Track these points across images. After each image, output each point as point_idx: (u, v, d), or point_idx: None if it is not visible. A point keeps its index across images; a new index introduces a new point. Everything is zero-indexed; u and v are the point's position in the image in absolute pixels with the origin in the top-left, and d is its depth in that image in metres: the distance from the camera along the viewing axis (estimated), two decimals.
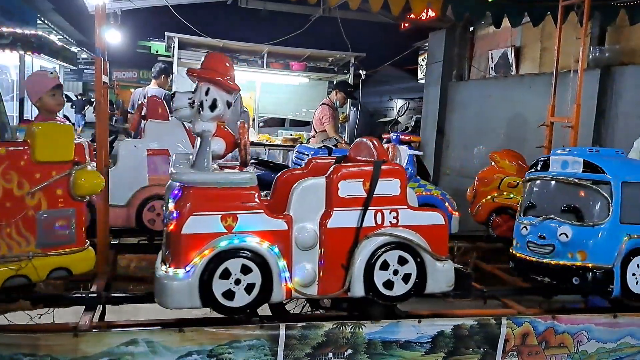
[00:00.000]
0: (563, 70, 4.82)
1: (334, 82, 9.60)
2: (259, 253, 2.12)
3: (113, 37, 8.78)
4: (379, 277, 2.26)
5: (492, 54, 7.83)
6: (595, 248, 2.54)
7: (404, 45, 10.98)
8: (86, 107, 26.81)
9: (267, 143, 8.48)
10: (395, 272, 2.27)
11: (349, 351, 2.28)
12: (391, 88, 21.05)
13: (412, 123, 8.70)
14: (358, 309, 2.42)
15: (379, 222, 2.27)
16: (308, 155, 4.14)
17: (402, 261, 2.27)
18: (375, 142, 2.49)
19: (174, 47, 8.84)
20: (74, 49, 25.80)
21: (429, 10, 6.61)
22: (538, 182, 2.85)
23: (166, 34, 8.85)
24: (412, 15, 7.29)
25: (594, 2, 4.53)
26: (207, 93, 2.18)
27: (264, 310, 2.34)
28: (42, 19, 21.98)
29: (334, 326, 2.28)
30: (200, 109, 2.16)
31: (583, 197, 2.62)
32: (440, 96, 8.32)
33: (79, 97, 25.76)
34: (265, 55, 9.21)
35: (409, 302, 2.38)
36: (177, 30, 8.73)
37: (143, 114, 3.77)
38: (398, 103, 22.87)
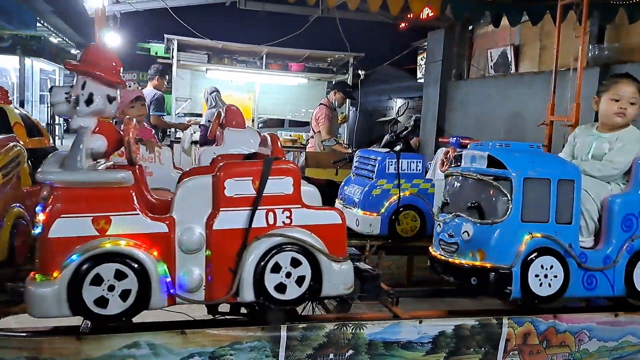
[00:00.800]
0: (562, 68, 4.83)
1: (333, 82, 9.62)
2: (135, 257, 1.95)
3: (113, 39, 8.80)
4: (270, 281, 2.09)
5: (491, 52, 7.84)
6: (493, 247, 2.38)
7: (403, 45, 11.01)
8: None
9: None
10: (288, 275, 2.11)
11: (350, 352, 2.28)
12: (390, 87, 21.05)
13: (412, 122, 8.70)
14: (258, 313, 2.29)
15: (271, 222, 2.11)
16: (376, 160, 3.72)
17: (295, 263, 2.12)
18: (272, 138, 2.38)
19: (173, 49, 8.85)
20: (73, 51, 25.89)
21: (428, 9, 6.62)
22: (451, 177, 2.72)
23: (165, 36, 8.87)
24: (411, 15, 7.31)
25: (593, 1, 4.55)
26: (83, 87, 2.01)
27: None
28: (42, 21, 22.01)
29: (335, 327, 2.28)
30: (76, 104, 2.01)
31: (485, 193, 2.48)
32: (440, 95, 8.33)
33: None
34: (264, 56, 9.22)
35: (409, 302, 2.37)
36: (176, 32, 8.75)
37: (221, 122, 3.77)
38: (397, 102, 22.90)
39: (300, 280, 2.13)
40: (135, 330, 2.09)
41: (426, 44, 9.37)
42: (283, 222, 2.12)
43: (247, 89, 9.81)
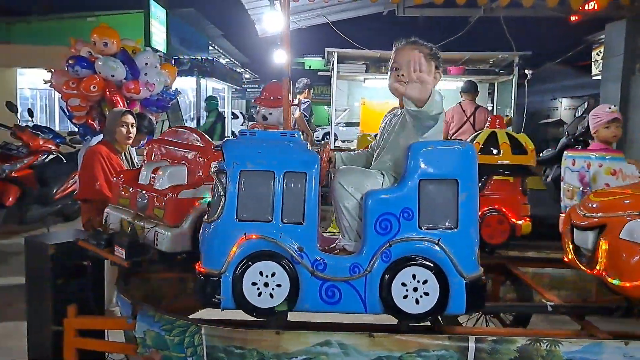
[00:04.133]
0: None
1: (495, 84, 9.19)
2: None
3: (280, 57, 9.42)
4: None
5: None
6: (206, 250, 2.03)
7: (574, 40, 10.15)
8: (244, 123, 29.10)
9: None
10: None
11: None
12: (555, 87, 19.51)
13: (587, 123, 7.96)
14: None
15: None
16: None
17: None
18: None
19: (333, 61, 9.18)
20: (239, 70, 28.26)
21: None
22: None
23: (326, 49, 9.22)
24: (587, 7, 6.70)
25: None
26: None
27: None
28: (213, 45, 24.43)
29: (528, 342, 2.16)
30: None
31: (214, 189, 2.12)
32: (621, 93, 7.51)
33: (244, 114, 28.05)
34: None
35: (612, 321, 2.17)
36: (333, 45, 9.06)
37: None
38: (563, 103, 21.13)
39: None
40: (328, 330, 2.19)
41: (603, 37, 8.51)
42: None
43: None
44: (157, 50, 10.34)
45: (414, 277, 1.97)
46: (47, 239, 2.64)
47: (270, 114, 3.71)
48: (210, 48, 24.40)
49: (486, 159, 3.62)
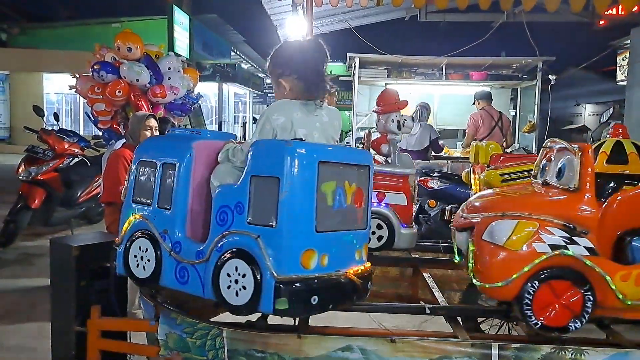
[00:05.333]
0: None
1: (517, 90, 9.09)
2: None
3: None
4: None
5: None
6: (119, 225, 2.42)
7: (598, 45, 9.99)
8: None
9: (448, 156, 8.33)
10: None
11: None
12: (578, 92, 19.23)
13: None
14: None
15: None
16: None
17: None
18: None
19: (354, 66, 9.18)
20: (260, 75, 28.44)
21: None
22: None
23: (348, 54, 9.24)
24: (612, 11, 6.61)
25: None
26: None
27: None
28: (235, 50, 24.65)
29: (552, 350, 2.11)
30: None
31: None
32: None
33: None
34: (444, 67, 9.10)
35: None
36: (355, 50, 9.07)
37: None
38: (587, 108, 20.81)
39: None
40: (349, 335, 2.18)
41: (628, 42, 8.37)
42: None
43: (427, 101, 9.77)
44: (179, 55, 10.48)
45: (236, 269, 1.98)
46: (72, 241, 2.67)
47: (379, 120, 3.77)
48: (233, 54, 24.63)
49: (613, 168, 3.56)
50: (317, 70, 2.31)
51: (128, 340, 2.66)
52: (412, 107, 9.24)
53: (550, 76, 8.58)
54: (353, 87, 9.45)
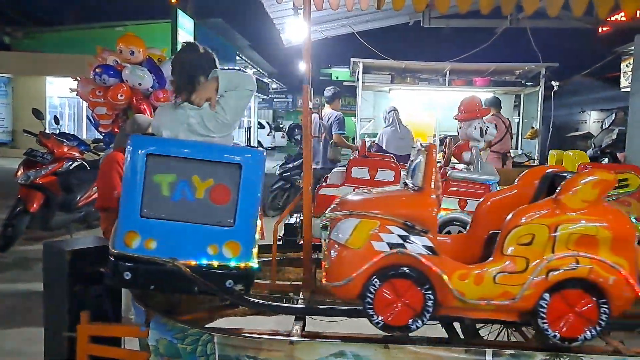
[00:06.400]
0: None
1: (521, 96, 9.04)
2: None
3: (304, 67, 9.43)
4: None
5: None
6: None
7: (601, 52, 9.96)
8: (270, 133, 29.11)
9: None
10: None
11: None
12: (583, 99, 19.16)
13: (614, 136, 7.77)
14: None
15: None
16: None
17: None
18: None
19: (358, 71, 9.17)
20: (265, 80, 28.49)
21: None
22: None
23: (351, 59, 9.23)
24: (615, 17, 6.57)
25: None
26: None
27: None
28: (240, 55, 24.71)
29: (547, 357, 2.09)
30: None
31: None
32: None
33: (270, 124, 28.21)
34: (448, 73, 9.09)
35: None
36: (359, 55, 9.05)
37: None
38: (591, 115, 20.72)
39: None
40: (342, 341, 2.16)
41: (632, 48, 8.32)
42: None
43: (430, 107, 9.74)
44: None
45: None
46: (65, 245, 2.66)
47: (460, 127, 3.77)
48: (238, 58, 24.67)
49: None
50: (186, 73, 2.51)
51: (122, 346, 2.64)
52: (414, 113, 9.27)
53: (553, 82, 8.55)
54: (357, 93, 9.44)
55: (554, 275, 2.06)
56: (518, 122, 10.06)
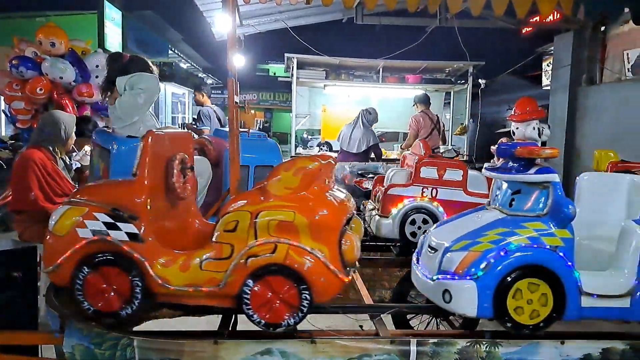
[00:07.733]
0: None
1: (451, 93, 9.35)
2: None
3: (238, 61, 9.29)
4: None
5: (628, 54, 7.14)
6: None
7: (525, 51, 10.43)
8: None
9: (386, 158, 8.45)
10: None
11: None
12: (510, 97, 20.01)
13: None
14: None
15: None
16: None
17: None
18: None
19: (292, 67, 9.14)
20: (200, 75, 27.87)
21: (556, 11, 6.20)
22: None
23: (285, 55, 9.19)
24: (537, 19, 6.90)
25: None
26: None
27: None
28: (173, 49, 24.02)
29: (468, 344, 2.17)
30: None
31: None
32: (569, 103, 7.75)
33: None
34: (381, 70, 9.23)
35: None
36: (295, 51, 9.03)
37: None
38: None
39: None
40: (268, 338, 2.14)
41: (552, 48, 8.78)
42: None
43: (364, 104, 9.86)
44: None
45: None
46: None
47: (517, 128, 3.69)
48: (170, 52, 23.96)
49: None
50: (106, 78, 3.33)
51: (40, 355, 2.50)
52: (350, 109, 9.36)
53: (480, 80, 8.88)
54: (292, 88, 9.41)
55: (252, 261, 2.11)
56: (449, 119, 10.38)
